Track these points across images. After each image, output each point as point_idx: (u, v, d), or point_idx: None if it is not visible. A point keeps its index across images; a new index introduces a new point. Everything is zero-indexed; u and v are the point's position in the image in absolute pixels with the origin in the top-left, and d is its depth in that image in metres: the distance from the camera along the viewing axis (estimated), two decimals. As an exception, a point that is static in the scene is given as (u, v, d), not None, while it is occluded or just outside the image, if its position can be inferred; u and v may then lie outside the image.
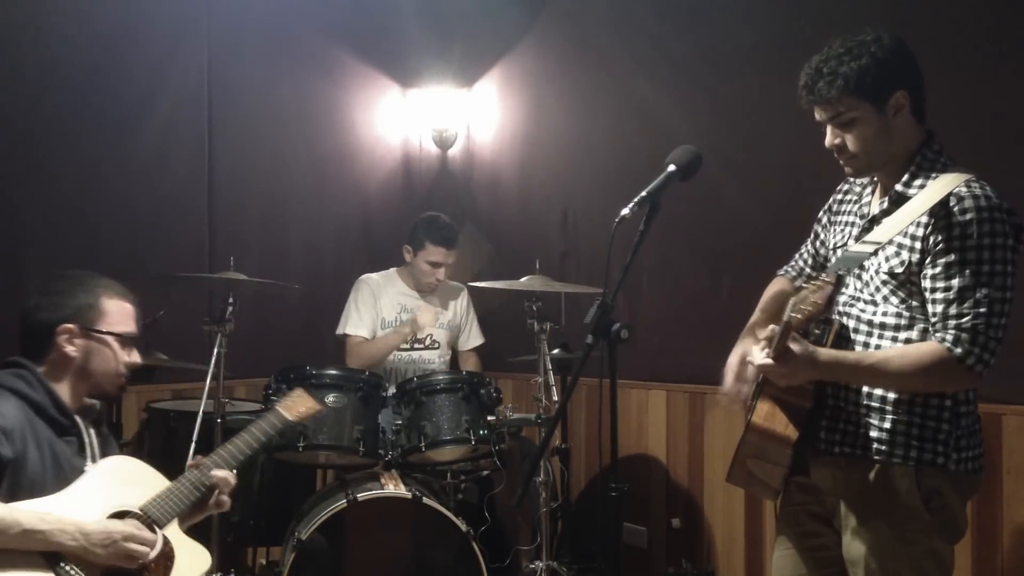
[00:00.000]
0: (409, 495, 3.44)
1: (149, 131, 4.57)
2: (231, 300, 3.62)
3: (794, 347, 2.08)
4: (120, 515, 2.35)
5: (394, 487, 3.49)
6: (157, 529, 2.38)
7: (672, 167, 2.32)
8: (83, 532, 2.22)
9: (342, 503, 3.37)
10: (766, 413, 2.23)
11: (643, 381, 4.35)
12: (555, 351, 4.02)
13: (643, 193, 2.26)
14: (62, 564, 2.21)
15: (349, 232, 5.24)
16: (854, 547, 2.22)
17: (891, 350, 2.17)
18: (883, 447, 2.19)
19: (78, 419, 2.46)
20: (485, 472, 3.97)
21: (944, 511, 2.19)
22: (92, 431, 2.51)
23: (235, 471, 2.60)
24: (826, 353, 2.15)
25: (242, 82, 4.89)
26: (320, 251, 5.13)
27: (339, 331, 4.44)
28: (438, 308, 4.45)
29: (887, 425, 2.19)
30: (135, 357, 2.54)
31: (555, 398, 3.77)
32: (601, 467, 4.10)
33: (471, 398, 3.76)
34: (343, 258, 5.11)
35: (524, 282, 3.88)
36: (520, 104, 5.22)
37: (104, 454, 2.51)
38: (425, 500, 3.47)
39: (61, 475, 2.35)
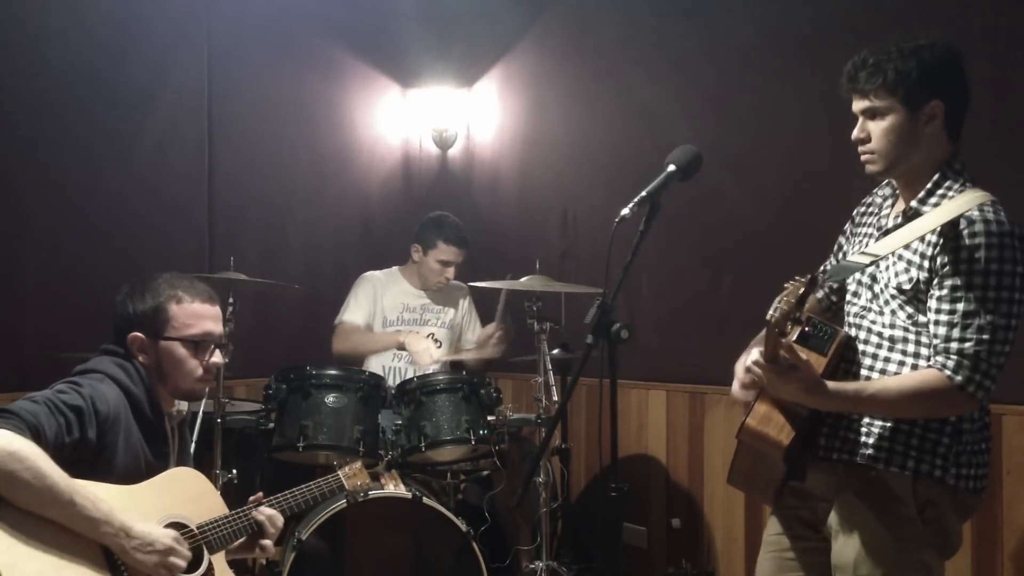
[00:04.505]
0: (409, 495, 3.43)
1: (149, 131, 4.56)
2: (231, 300, 3.63)
3: (801, 355, 2.07)
4: (175, 526, 2.33)
5: (394, 487, 3.49)
6: (207, 552, 2.37)
7: (672, 167, 2.32)
8: (126, 531, 2.19)
9: (342, 503, 3.37)
10: (762, 416, 2.21)
11: (643, 381, 4.34)
12: (555, 351, 4.02)
13: (643, 193, 2.26)
14: (120, 567, 2.19)
15: (349, 232, 5.24)
16: (844, 552, 2.20)
17: (889, 379, 2.17)
18: (882, 455, 2.19)
19: (166, 423, 2.47)
20: (485, 472, 3.97)
21: (938, 523, 2.18)
22: (176, 437, 2.52)
23: (285, 517, 2.60)
24: (828, 383, 2.12)
25: (242, 82, 4.88)
26: (320, 251, 5.13)
27: (336, 320, 4.44)
28: (432, 342, 4.39)
29: (888, 434, 2.19)
30: (215, 358, 2.49)
31: (555, 398, 3.77)
32: (601, 467, 4.10)
33: (471, 398, 3.76)
34: (343, 258, 5.11)
35: (524, 282, 3.87)
36: (520, 104, 5.22)
37: (179, 460, 2.52)
38: (425, 500, 3.47)
39: (138, 478, 2.33)
